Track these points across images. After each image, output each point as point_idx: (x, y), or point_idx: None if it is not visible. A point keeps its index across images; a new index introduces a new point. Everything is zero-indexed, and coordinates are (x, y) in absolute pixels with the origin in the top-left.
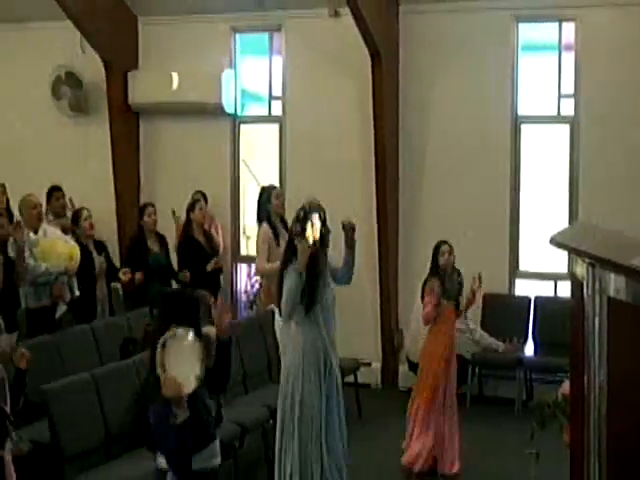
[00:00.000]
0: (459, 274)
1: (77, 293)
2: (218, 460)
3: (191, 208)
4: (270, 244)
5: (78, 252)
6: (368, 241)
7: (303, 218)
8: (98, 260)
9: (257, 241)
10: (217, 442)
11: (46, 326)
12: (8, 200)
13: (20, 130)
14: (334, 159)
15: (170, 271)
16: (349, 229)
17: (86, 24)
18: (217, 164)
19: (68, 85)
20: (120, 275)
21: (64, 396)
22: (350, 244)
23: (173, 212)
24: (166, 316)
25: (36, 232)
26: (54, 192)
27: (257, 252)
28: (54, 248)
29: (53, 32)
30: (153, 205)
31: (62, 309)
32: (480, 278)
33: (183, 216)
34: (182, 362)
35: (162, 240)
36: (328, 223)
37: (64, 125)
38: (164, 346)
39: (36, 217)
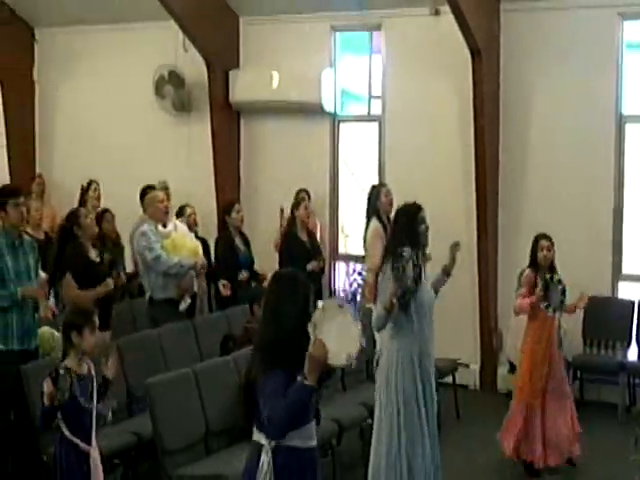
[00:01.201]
0: (560, 282)
1: (195, 289)
2: (314, 442)
3: (296, 206)
4: (381, 240)
5: (201, 249)
6: (467, 241)
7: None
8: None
9: (367, 237)
10: (314, 425)
11: (170, 318)
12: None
13: (125, 129)
14: (433, 159)
15: (253, 270)
16: (456, 251)
17: (189, 24)
18: (316, 163)
19: (171, 84)
20: (220, 287)
21: (166, 391)
22: (449, 269)
23: (282, 210)
24: (277, 297)
25: (165, 226)
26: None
27: (367, 248)
28: (184, 243)
29: (156, 32)
30: (239, 203)
31: (186, 302)
32: (585, 298)
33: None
34: (338, 333)
35: (245, 239)
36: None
37: (167, 124)
38: (324, 309)
39: (163, 211)
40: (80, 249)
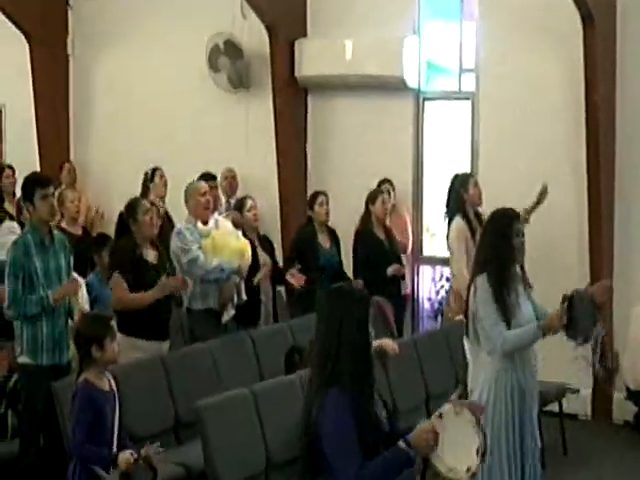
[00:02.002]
0: None
1: (244, 297)
2: None
3: (372, 199)
4: (467, 242)
5: (249, 249)
6: (577, 244)
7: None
8: (263, 258)
9: (450, 239)
10: None
11: (211, 331)
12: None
13: (172, 109)
14: (536, 143)
15: (342, 274)
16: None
17: None
18: (397, 148)
19: (227, 56)
20: (288, 277)
21: (220, 415)
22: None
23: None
24: (332, 318)
25: (205, 223)
26: (209, 180)
27: (451, 252)
28: (227, 243)
29: None
30: (325, 194)
31: (230, 313)
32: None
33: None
34: (456, 439)
35: (333, 235)
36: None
37: (222, 101)
38: (440, 417)
39: (204, 206)
40: (132, 246)
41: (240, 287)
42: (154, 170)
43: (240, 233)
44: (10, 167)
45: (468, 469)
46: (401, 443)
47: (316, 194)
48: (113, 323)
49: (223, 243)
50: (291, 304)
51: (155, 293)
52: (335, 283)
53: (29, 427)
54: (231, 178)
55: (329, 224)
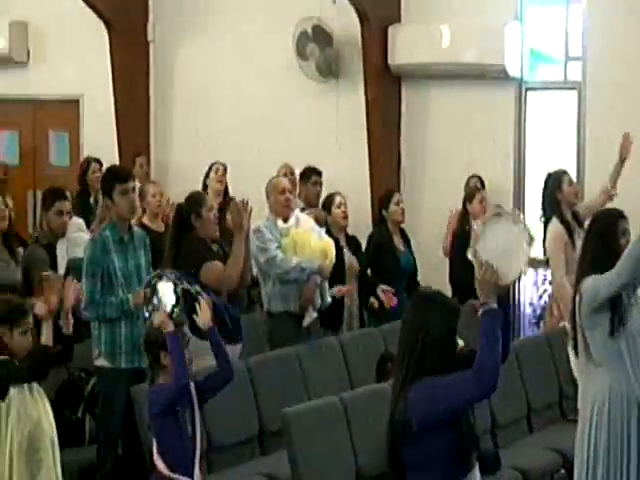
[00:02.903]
0: None
1: (328, 299)
2: None
3: (469, 198)
4: (566, 247)
5: (333, 249)
6: None
7: None
8: (350, 259)
9: (547, 245)
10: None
11: (291, 335)
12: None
13: (257, 99)
14: None
15: (415, 278)
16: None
17: None
18: (497, 142)
19: (316, 42)
20: (379, 293)
21: (307, 424)
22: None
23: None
24: (417, 326)
25: (286, 220)
26: (312, 175)
27: (549, 257)
28: (308, 241)
29: None
30: (399, 192)
31: (311, 316)
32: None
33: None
34: (502, 246)
35: (406, 238)
36: None
37: (310, 91)
38: (484, 224)
39: (285, 203)
40: (198, 245)
41: (324, 289)
42: (212, 165)
43: (324, 231)
44: (97, 161)
45: (520, 269)
46: (481, 308)
47: (391, 192)
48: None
49: (303, 241)
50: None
51: (238, 237)
52: (409, 288)
53: (107, 433)
54: (290, 175)
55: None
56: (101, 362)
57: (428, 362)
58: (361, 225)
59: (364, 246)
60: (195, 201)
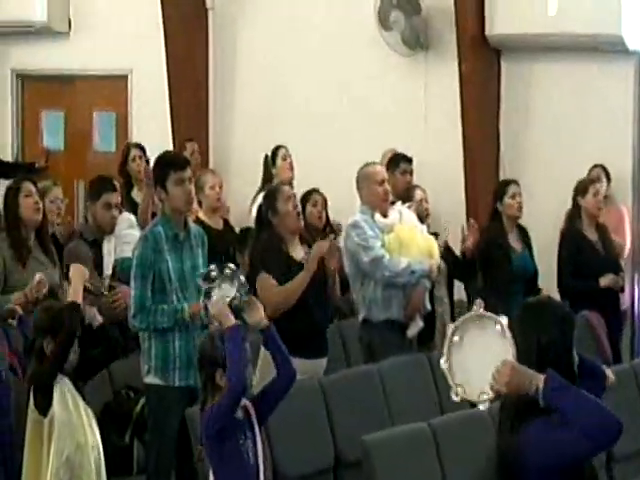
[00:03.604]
0: None
1: (429, 307)
2: None
3: (582, 191)
4: None
5: (437, 247)
6: None
7: None
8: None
9: None
10: None
11: (393, 348)
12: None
13: (333, 73)
14: None
15: (535, 284)
16: None
17: None
18: (613, 125)
19: (401, 10)
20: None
21: (390, 454)
22: None
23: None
24: (528, 338)
25: (385, 215)
26: (401, 163)
27: None
28: (414, 239)
29: None
30: (517, 183)
31: (418, 326)
32: None
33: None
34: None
35: (525, 235)
36: None
37: (394, 66)
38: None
39: (384, 195)
40: (276, 243)
41: (426, 294)
42: (276, 149)
43: (425, 229)
44: (139, 147)
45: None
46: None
47: (507, 183)
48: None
49: (410, 239)
50: None
51: (308, 269)
52: (528, 295)
53: (158, 461)
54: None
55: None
56: (151, 379)
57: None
58: (453, 220)
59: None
60: (269, 195)
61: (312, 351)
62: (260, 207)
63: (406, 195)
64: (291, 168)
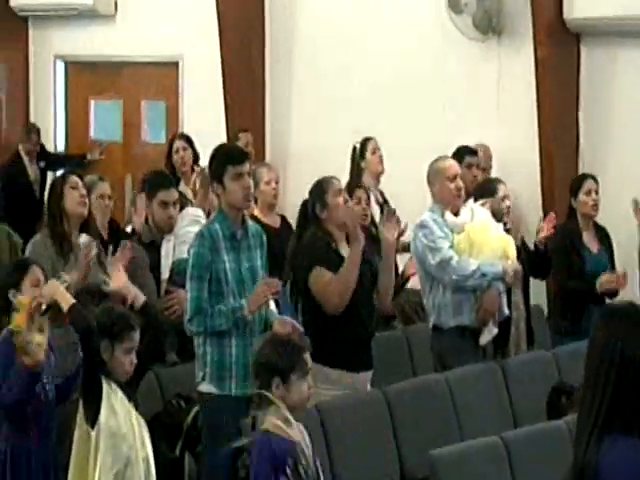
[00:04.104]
0: None
1: (506, 311)
2: None
3: None
4: None
5: (514, 248)
6: None
7: None
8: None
9: None
10: None
11: (465, 356)
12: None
13: (399, 59)
14: None
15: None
16: None
17: None
18: None
19: None
20: None
21: (461, 470)
22: None
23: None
24: (608, 347)
25: (456, 213)
26: (466, 155)
27: None
28: (487, 239)
29: None
30: (595, 178)
31: (492, 332)
32: None
33: None
34: None
35: (603, 235)
36: None
37: (464, 52)
38: None
39: (456, 192)
40: (325, 238)
41: (502, 298)
42: (365, 141)
43: (501, 227)
44: (185, 138)
45: None
46: None
47: (582, 178)
48: (307, 356)
49: (483, 239)
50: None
51: (356, 239)
52: (605, 299)
53: (213, 476)
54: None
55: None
56: (206, 387)
57: (625, 398)
58: (528, 217)
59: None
60: (317, 188)
61: (358, 363)
62: (305, 202)
63: (472, 190)
64: (381, 162)
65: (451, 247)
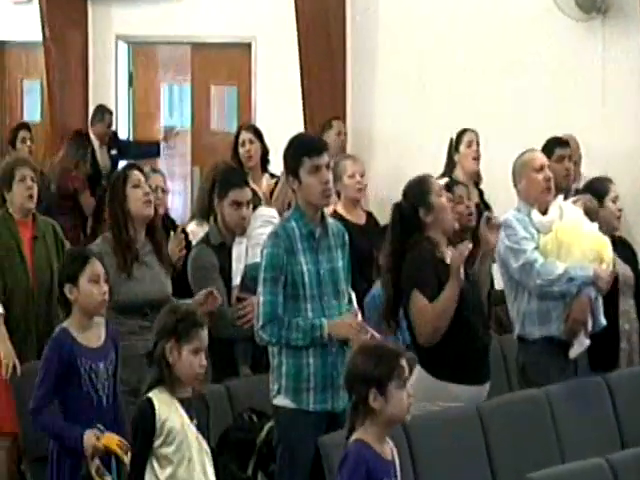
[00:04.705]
0: None
1: (603, 321)
2: None
3: None
4: None
5: (610, 250)
6: None
7: None
8: (623, 269)
9: None
10: None
11: (553, 370)
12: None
13: (495, 41)
14: None
15: None
16: None
17: None
18: None
19: None
20: None
21: None
22: None
23: None
24: None
25: (545, 211)
26: (556, 148)
27: None
28: (577, 240)
29: None
30: None
31: (582, 344)
32: None
33: None
34: None
35: None
36: None
37: (566, 33)
38: None
39: (545, 184)
40: (430, 249)
41: (597, 306)
42: (461, 133)
43: (596, 227)
44: (253, 129)
45: None
46: None
47: None
48: (403, 363)
49: (571, 241)
50: None
51: (455, 277)
52: None
53: None
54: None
55: None
56: (281, 401)
57: None
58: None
59: None
60: (416, 189)
61: (474, 376)
62: (399, 205)
63: (564, 186)
64: (477, 158)
65: (536, 249)
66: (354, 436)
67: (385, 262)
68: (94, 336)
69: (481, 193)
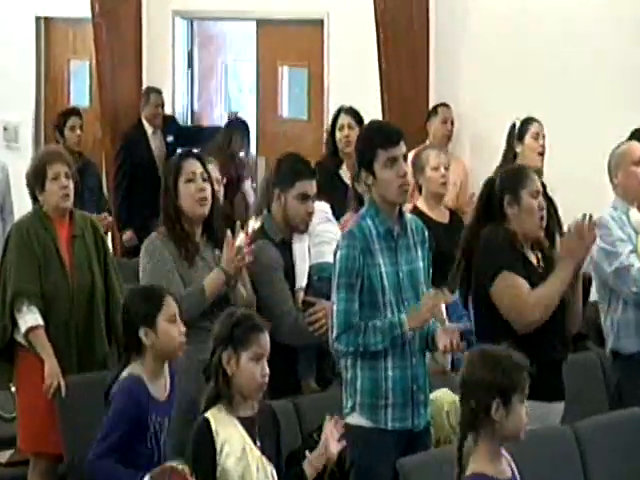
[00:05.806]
0: None
1: None
2: None
3: None
4: None
5: None
6: None
7: None
8: None
9: None
10: None
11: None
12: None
13: (570, 30)
14: None
15: None
16: None
17: None
18: None
19: None
20: None
21: None
22: None
23: None
24: None
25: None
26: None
27: None
28: None
29: None
30: None
31: None
32: None
33: None
34: None
35: None
36: None
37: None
38: None
39: (638, 180)
40: (511, 240)
41: None
42: (525, 122)
43: None
44: (353, 112)
45: None
46: None
47: None
48: (527, 376)
49: None
50: None
51: (566, 269)
52: None
53: None
54: None
55: None
56: (356, 419)
57: None
58: None
59: None
60: (512, 178)
61: (550, 391)
62: (492, 180)
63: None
64: (542, 153)
65: (634, 252)
66: (470, 469)
67: (461, 248)
68: (162, 386)
69: (544, 187)
